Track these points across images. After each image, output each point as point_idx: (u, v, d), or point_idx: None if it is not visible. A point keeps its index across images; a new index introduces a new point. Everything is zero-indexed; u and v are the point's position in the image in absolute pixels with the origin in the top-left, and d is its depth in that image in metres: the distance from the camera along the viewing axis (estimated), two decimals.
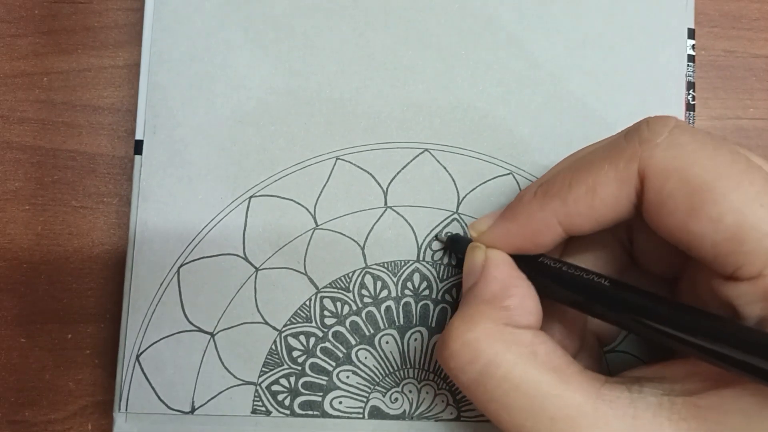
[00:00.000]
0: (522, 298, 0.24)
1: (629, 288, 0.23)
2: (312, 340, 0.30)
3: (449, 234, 0.31)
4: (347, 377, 0.30)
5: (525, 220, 0.24)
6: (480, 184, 0.31)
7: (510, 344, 0.22)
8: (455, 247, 0.30)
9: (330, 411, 0.30)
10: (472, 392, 0.23)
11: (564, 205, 0.23)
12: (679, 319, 0.21)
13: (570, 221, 0.23)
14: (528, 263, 0.25)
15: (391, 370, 0.30)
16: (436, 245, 0.31)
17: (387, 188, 0.31)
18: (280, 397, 0.30)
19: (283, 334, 0.30)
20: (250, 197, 0.31)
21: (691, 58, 0.32)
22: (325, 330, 0.30)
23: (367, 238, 0.31)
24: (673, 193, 0.21)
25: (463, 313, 0.24)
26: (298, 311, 0.30)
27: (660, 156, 0.21)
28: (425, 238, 0.31)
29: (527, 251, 0.25)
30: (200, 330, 0.30)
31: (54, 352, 0.32)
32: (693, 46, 0.32)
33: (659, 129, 0.22)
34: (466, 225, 0.31)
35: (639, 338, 0.31)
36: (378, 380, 0.30)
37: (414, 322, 0.31)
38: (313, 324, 0.30)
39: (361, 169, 0.31)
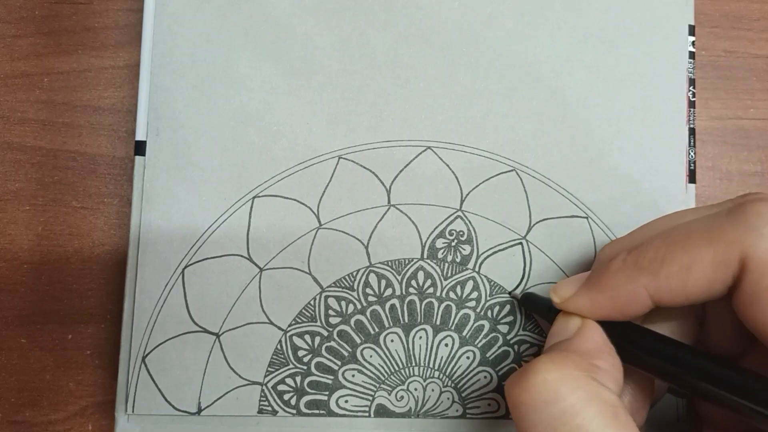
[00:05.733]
0: (611, 366, 0.23)
1: (728, 365, 0.22)
2: (317, 339, 0.30)
3: (524, 292, 0.30)
4: (353, 376, 0.30)
5: (613, 290, 0.24)
6: (483, 181, 0.31)
7: (593, 397, 0.21)
8: (530, 305, 0.30)
9: (336, 410, 0.30)
10: None
11: (655, 280, 0.22)
12: None
13: (660, 296, 0.23)
14: (614, 329, 0.25)
15: (397, 368, 0.31)
16: (439, 243, 0.31)
17: (390, 187, 0.31)
18: (286, 397, 0.30)
19: (288, 334, 0.30)
20: (254, 198, 0.31)
21: (691, 55, 0.32)
22: (330, 329, 0.30)
23: (370, 236, 0.31)
24: None
25: (551, 355, 0.22)
26: (303, 311, 0.30)
27: (765, 247, 0.20)
28: (429, 235, 0.31)
29: (614, 320, 0.25)
30: (205, 331, 0.30)
31: (54, 353, 0.32)
32: (693, 43, 0.32)
33: None
34: (470, 222, 0.31)
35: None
36: (383, 378, 0.30)
37: (419, 320, 0.31)
38: (318, 323, 0.30)
39: (364, 167, 0.31)
